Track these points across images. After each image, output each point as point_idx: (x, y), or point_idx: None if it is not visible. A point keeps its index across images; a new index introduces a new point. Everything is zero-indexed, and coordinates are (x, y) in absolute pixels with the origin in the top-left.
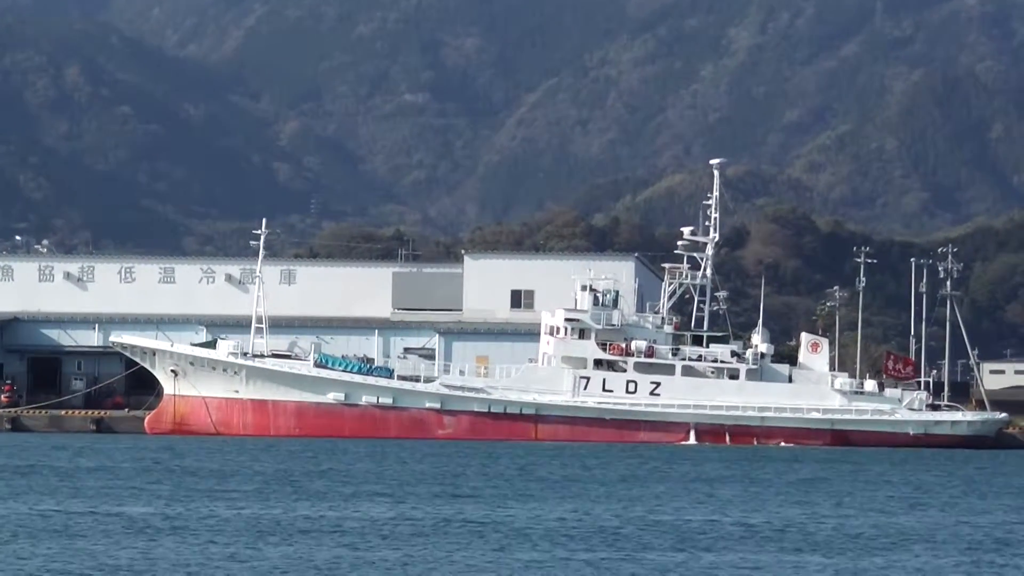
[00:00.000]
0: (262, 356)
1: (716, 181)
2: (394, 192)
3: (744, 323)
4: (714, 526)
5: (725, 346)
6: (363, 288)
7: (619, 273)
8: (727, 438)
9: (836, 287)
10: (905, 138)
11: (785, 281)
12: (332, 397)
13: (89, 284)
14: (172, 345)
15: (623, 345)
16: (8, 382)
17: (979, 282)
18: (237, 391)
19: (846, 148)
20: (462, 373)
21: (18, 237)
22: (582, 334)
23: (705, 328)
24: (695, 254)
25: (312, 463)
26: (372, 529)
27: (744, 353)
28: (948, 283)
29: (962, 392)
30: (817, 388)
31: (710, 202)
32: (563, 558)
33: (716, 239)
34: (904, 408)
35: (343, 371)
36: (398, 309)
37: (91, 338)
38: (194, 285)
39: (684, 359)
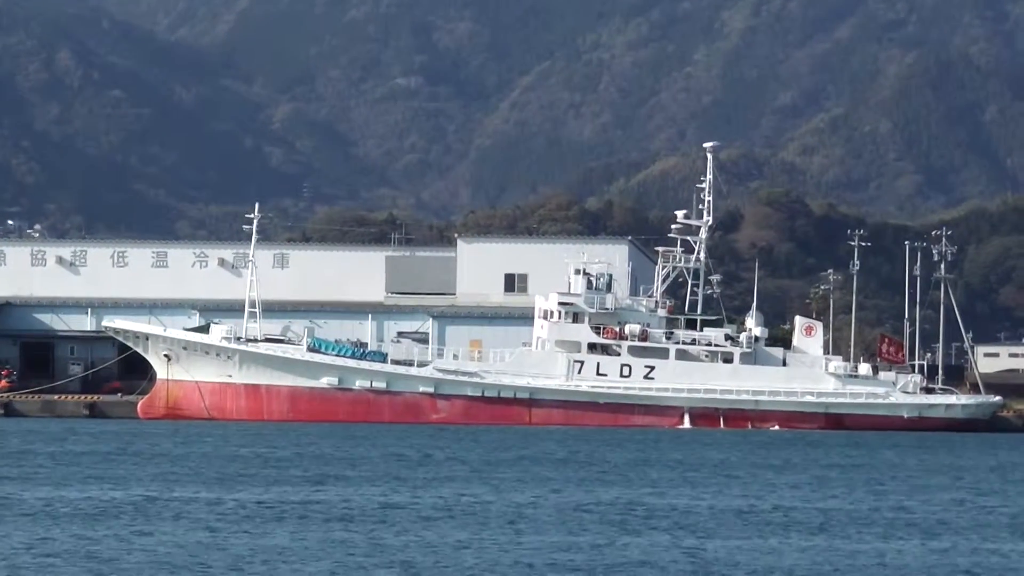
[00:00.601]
0: (255, 340)
1: (709, 164)
2: (387, 176)
3: (738, 307)
4: None
5: (719, 330)
6: (356, 272)
7: (613, 257)
8: (721, 422)
9: (830, 270)
10: (899, 120)
11: (779, 264)
12: (326, 381)
13: (82, 268)
14: (165, 330)
15: (617, 329)
16: (7, 367)
17: (973, 265)
18: (230, 376)
19: (839, 131)
20: (456, 357)
21: (10, 221)
22: (576, 318)
23: (699, 312)
24: (689, 237)
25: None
26: None
27: (738, 337)
28: (942, 266)
29: (956, 375)
30: (811, 371)
31: (703, 185)
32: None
33: (710, 222)
34: (898, 391)
35: (336, 355)
36: (391, 293)
37: (84, 323)
38: (187, 269)
39: (678, 343)
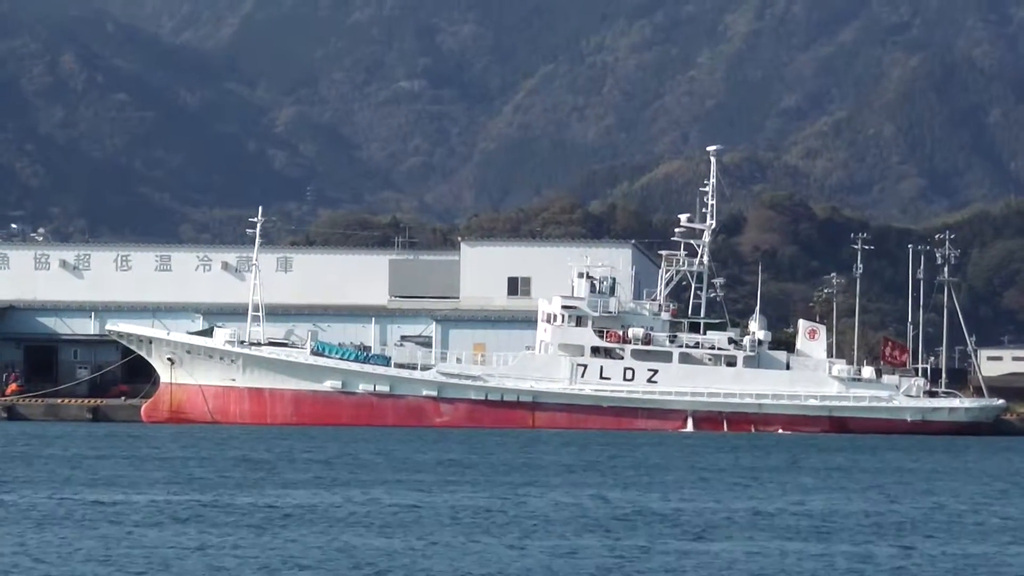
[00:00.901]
0: (259, 344)
1: (713, 168)
2: (390, 179)
3: (741, 310)
4: None
5: (722, 333)
6: (359, 275)
7: (616, 260)
8: (724, 425)
9: (833, 273)
10: (902, 124)
11: (782, 268)
12: (329, 385)
13: (85, 272)
14: (168, 333)
15: (620, 332)
16: (16, 370)
17: (977, 268)
18: (234, 379)
19: (843, 134)
20: (459, 361)
21: (14, 225)
22: (579, 321)
23: (702, 315)
24: (692, 241)
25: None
26: None
27: (741, 340)
28: (946, 269)
29: (960, 379)
30: (815, 375)
31: (707, 189)
32: None
33: (713, 226)
34: (902, 395)
35: (340, 359)
36: (395, 296)
37: (87, 326)
38: (190, 273)
39: (681, 346)
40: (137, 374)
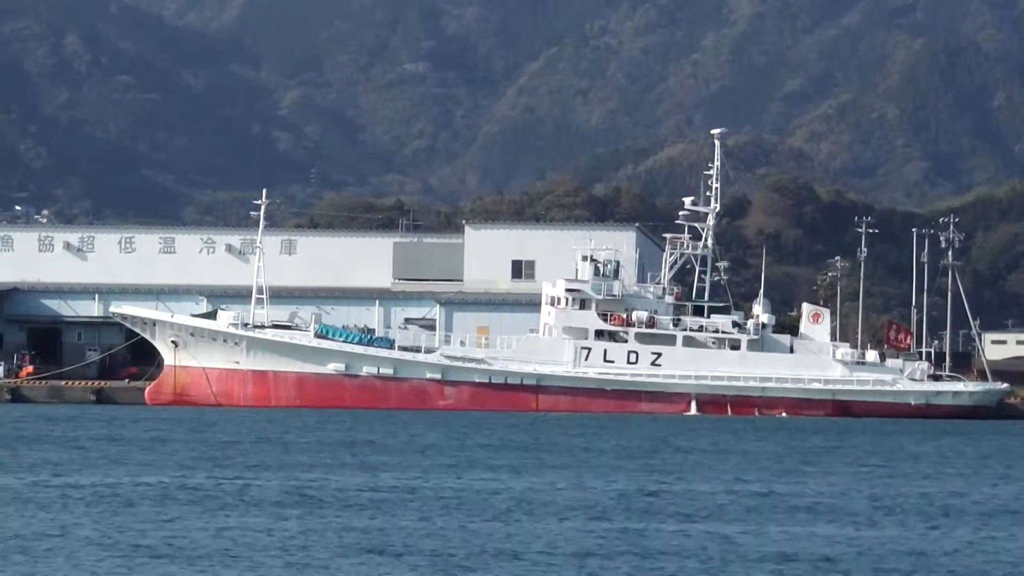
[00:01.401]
0: (263, 327)
1: (717, 151)
2: (394, 162)
3: (745, 293)
4: None
5: (726, 316)
6: (363, 258)
7: (620, 243)
8: (728, 409)
9: (837, 257)
10: (907, 107)
11: (786, 251)
12: (333, 368)
13: (89, 254)
14: (172, 316)
15: (624, 315)
16: (29, 354)
17: (981, 252)
18: (238, 362)
19: (847, 117)
20: (463, 344)
21: (18, 207)
22: (583, 304)
23: (706, 298)
24: (696, 224)
25: None
26: None
27: (745, 323)
28: (950, 253)
29: (964, 362)
30: (818, 358)
31: (711, 172)
32: None
33: (717, 209)
34: (905, 378)
35: (344, 342)
36: (399, 279)
37: (91, 308)
38: (194, 255)
39: (685, 329)
40: (142, 356)
